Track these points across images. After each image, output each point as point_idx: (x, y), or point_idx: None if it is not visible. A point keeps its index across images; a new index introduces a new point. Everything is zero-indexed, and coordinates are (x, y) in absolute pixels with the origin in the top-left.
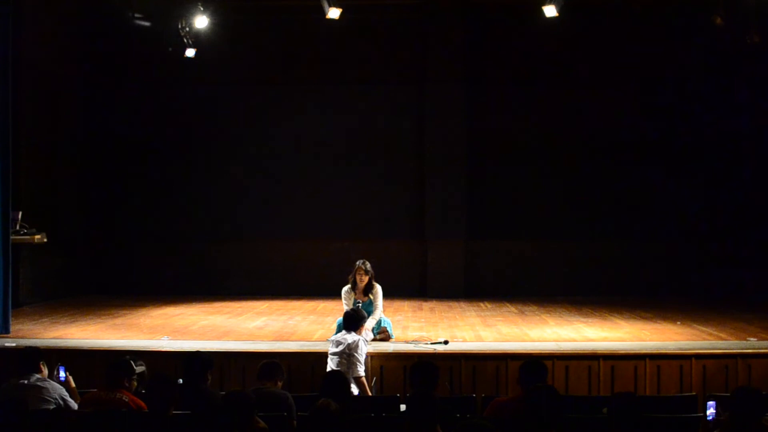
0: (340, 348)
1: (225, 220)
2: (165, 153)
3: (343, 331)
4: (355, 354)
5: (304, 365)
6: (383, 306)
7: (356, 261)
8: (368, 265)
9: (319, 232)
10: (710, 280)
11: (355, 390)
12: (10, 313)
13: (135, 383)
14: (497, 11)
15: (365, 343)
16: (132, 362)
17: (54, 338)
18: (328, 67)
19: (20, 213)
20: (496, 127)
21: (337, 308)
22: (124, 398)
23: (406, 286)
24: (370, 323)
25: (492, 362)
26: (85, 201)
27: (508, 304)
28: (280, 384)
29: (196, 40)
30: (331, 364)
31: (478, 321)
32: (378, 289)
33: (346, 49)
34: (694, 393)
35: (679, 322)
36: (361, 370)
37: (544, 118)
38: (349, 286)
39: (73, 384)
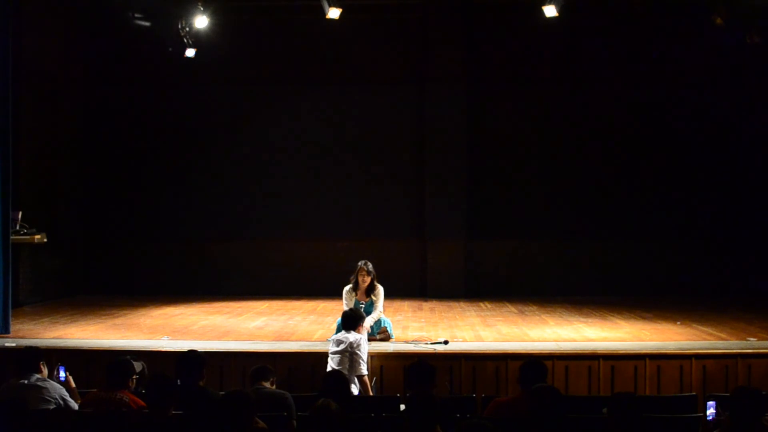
0: (342, 347)
1: (225, 220)
2: (165, 153)
3: (343, 331)
4: (358, 352)
5: (304, 365)
6: (384, 307)
7: (357, 261)
8: (370, 266)
9: (319, 232)
10: (710, 280)
11: (355, 390)
12: (10, 313)
13: (134, 381)
14: (497, 11)
15: (367, 342)
16: (132, 362)
17: (54, 338)
18: (327, 67)
19: (20, 213)
20: (496, 127)
21: (337, 308)
22: (124, 398)
23: (406, 286)
24: (368, 322)
25: (492, 362)
26: (85, 201)
27: (508, 304)
28: (273, 384)
29: (196, 40)
30: (332, 364)
31: (478, 321)
32: (380, 289)
33: (345, 49)
34: (694, 393)
35: (679, 322)
36: (364, 369)
37: (544, 118)
38: (350, 286)
39: (73, 384)
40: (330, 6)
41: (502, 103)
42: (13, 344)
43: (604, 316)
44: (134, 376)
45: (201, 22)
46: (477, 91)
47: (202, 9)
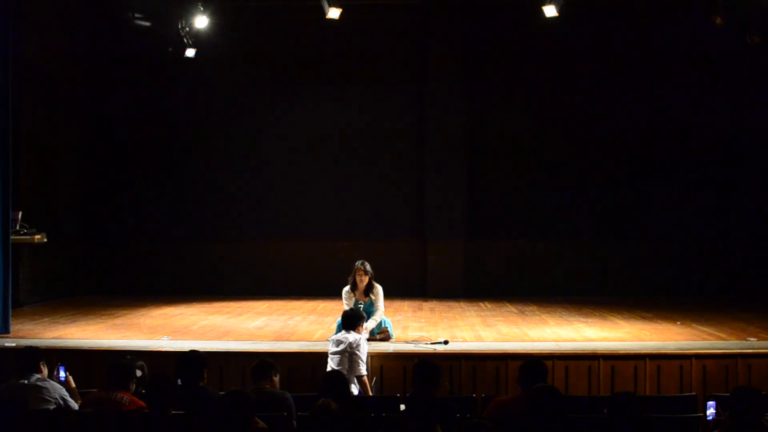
0: (341, 347)
1: (225, 220)
2: (165, 153)
3: (343, 331)
4: (357, 352)
5: (304, 365)
6: (384, 306)
7: (356, 261)
8: (368, 266)
9: (319, 232)
10: (710, 280)
11: (355, 390)
12: (10, 313)
13: (133, 384)
14: (497, 11)
15: (366, 342)
16: (132, 362)
17: (54, 338)
18: (327, 67)
19: (20, 213)
20: (496, 127)
21: (337, 308)
22: (124, 398)
23: (406, 286)
24: (370, 324)
25: (492, 362)
26: (85, 201)
27: (508, 304)
28: (276, 379)
29: (196, 40)
30: (332, 364)
31: (478, 321)
32: (378, 289)
33: (346, 49)
34: (694, 393)
35: (679, 322)
36: (363, 369)
37: (545, 118)
38: (349, 287)
39: (73, 384)
40: (330, 6)
41: (502, 103)
42: (13, 344)
43: (604, 316)
44: (134, 377)
45: (201, 22)
46: (477, 91)
47: (202, 9)
